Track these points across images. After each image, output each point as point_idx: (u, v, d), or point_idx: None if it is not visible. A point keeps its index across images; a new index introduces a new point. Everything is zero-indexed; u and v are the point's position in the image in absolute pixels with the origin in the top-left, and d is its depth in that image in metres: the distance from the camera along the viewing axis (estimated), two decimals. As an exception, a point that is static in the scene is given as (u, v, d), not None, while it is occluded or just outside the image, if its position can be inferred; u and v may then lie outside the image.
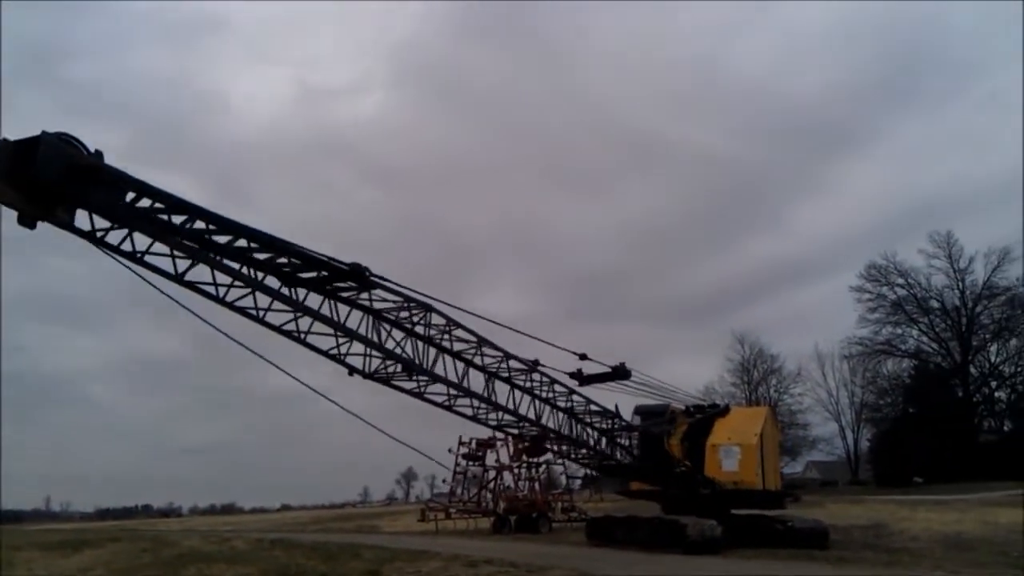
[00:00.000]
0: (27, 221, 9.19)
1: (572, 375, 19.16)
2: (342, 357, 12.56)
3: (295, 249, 11.27)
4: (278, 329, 11.60)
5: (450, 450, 38.20)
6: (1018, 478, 51.67)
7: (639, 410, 26.45)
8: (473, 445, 38.60)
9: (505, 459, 38.68)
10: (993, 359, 71.43)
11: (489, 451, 38.85)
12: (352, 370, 12.84)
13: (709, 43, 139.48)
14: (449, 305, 14.05)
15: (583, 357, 17.95)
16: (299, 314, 11.74)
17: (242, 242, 10.83)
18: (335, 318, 12.22)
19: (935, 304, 71.22)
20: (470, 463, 39.26)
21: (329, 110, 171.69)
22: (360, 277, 11.97)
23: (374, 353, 12.97)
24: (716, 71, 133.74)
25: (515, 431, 19.00)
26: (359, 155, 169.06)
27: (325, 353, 12.27)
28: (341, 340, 12.38)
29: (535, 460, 38.73)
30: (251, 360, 11.06)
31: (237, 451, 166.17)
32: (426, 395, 14.34)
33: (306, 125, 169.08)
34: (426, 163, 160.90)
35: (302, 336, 11.90)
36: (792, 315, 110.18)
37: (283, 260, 11.37)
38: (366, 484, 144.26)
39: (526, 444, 38.18)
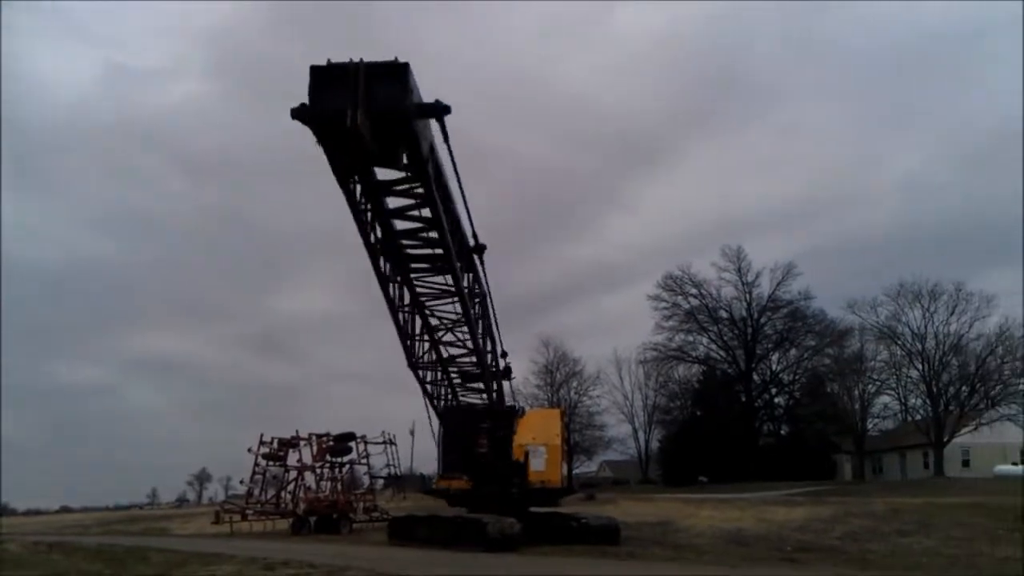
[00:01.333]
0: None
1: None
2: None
3: None
4: None
5: (250, 449, 37.14)
6: (793, 478, 55.90)
7: (446, 409, 26.69)
8: (275, 444, 37.67)
9: (308, 459, 37.98)
10: (774, 367, 76.75)
11: (291, 451, 38.04)
12: None
13: (538, 52, 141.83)
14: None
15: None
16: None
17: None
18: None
19: (724, 314, 75.76)
20: (270, 463, 38.26)
21: (139, 94, 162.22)
22: None
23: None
24: (543, 81, 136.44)
25: None
26: (169, 142, 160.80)
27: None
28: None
29: (339, 460, 38.31)
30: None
31: (9, 449, 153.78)
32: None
33: (114, 108, 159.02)
34: (239, 156, 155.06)
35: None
36: (595, 321, 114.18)
37: None
38: (155, 485, 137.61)
39: (330, 444, 37.84)
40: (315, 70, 9.00)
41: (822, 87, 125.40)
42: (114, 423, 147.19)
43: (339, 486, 38.28)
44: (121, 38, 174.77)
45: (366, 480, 42.50)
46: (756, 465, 64.73)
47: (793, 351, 74.42)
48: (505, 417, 26.80)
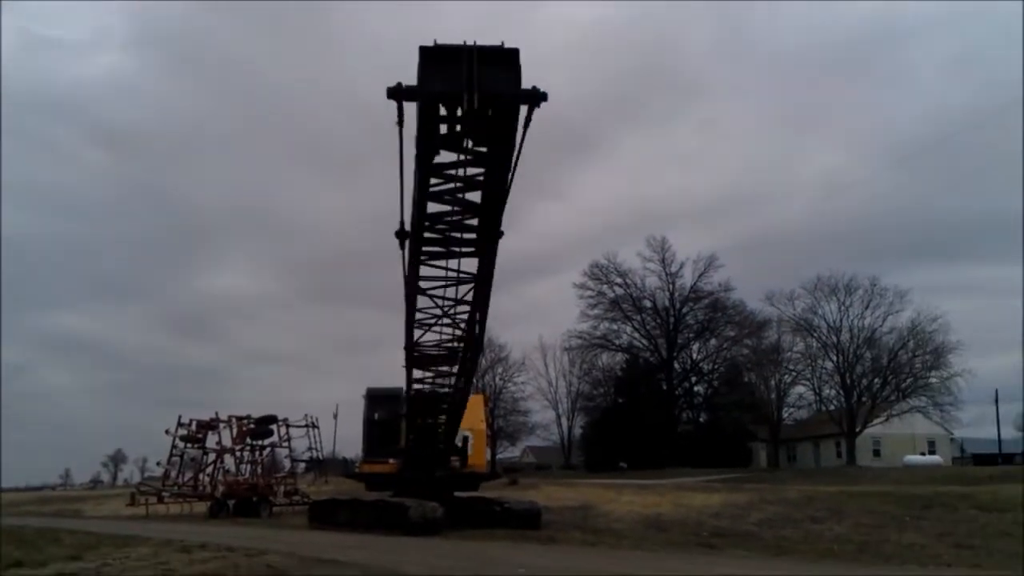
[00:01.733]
0: None
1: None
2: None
3: None
4: None
5: (167, 431, 36.46)
6: (710, 465, 57.05)
7: (371, 393, 26.48)
8: (193, 427, 37.05)
9: (227, 441, 37.42)
10: (695, 356, 78.10)
11: (210, 433, 37.42)
12: None
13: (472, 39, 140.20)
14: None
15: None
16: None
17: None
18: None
19: (648, 304, 76.75)
20: (188, 445, 37.58)
21: (56, 65, 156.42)
22: None
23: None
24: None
25: None
26: (88, 116, 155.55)
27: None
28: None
29: (259, 443, 37.84)
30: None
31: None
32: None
33: (29, 79, 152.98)
34: (161, 130, 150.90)
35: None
36: (521, 308, 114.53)
37: None
38: (68, 466, 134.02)
39: (251, 426, 37.33)
40: (425, 50, 9.23)
41: (746, 85, 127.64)
42: (26, 403, 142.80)
43: (259, 469, 37.83)
44: (38, 8, 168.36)
45: (287, 463, 42.08)
46: (675, 452, 65.92)
47: (713, 341, 75.88)
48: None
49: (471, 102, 9.27)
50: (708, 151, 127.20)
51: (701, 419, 77.77)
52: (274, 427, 37.87)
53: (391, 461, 25.47)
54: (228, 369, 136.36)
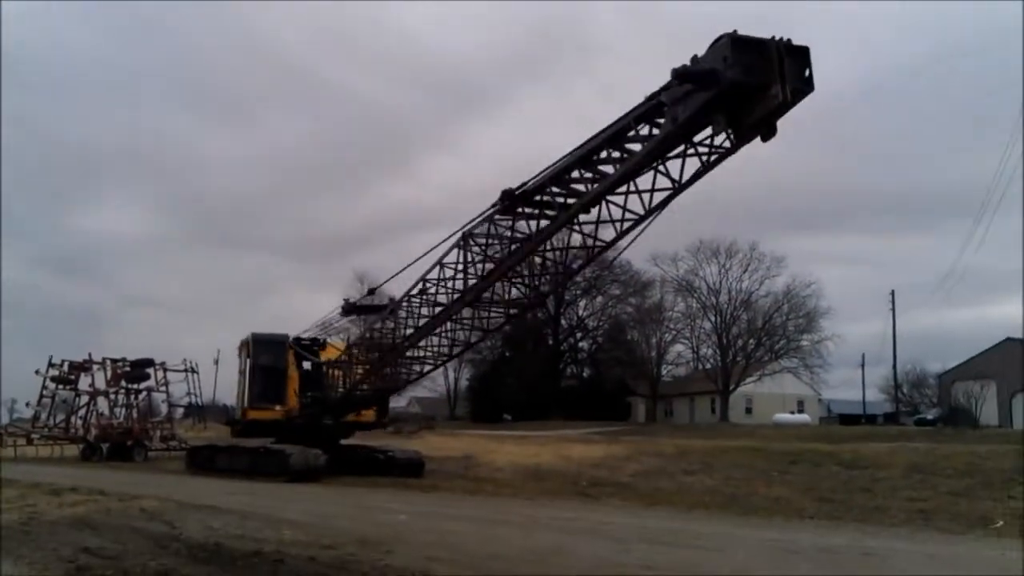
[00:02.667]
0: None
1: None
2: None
3: None
4: None
5: (37, 371, 35.09)
6: (592, 418, 58.37)
7: (257, 339, 25.93)
8: (65, 368, 35.72)
9: (101, 384, 36.19)
10: (581, 313, 79.28)
11: (83, 375, 36.13)
12: None
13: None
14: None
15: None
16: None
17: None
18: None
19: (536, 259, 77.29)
20: (60, 387, 36.26)
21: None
22: None
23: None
24: (379, 16, 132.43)
25: None
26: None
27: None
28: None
29: (135, 386, 36.78)
30: None
31: None
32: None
33: None
34: (41, 64, 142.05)
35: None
36: (411, 258, 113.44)
37: None
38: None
39: (126, 369, 36.19)
40: (735, 40, 9.31)
41: (648, 52, 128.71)
42: None
43: (135, 413, 36.79)
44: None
45: (165, 408, 41.09)
46: (559, 405, 67.16)
47: (599, 299, 77.11)
48: (310, 350, 26.50)
49: (784, 95, 9.58)
50: (606, 113, 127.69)
51: (585, 374, 79.30)
52: (150, 371, 36.82)
53: (278, 408, 25.12)
54: (108, 312, 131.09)
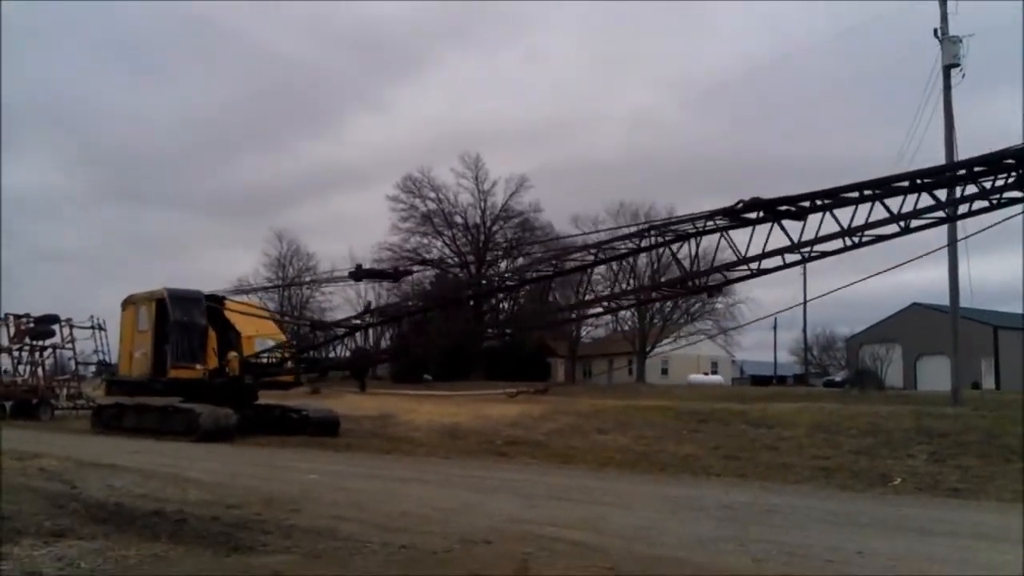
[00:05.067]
0: None
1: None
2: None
3: None
4: None
5: (-66, 328, 33.65)
6: (512, 379, 58.68)
7: (173, 295, 25.07)
8: (-37, 324, 34.36)
9: (4, 341, 34.96)
10: (502, 273, 79.37)
11: (-18, 331, 34.83)
12: None
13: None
14: None
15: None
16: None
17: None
18: None
19: (459, 220, 77.00)
20: (-42, 343, 34.92)
21: None
22: None
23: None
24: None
25: None
26: None
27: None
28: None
29: (39, 343, 35.61)
30: None
31: None
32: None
33: None
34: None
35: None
36: (333, 219, 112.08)
37: None
38: None
39: (30, 326, 34.96)
40: None
41: (569, 21, 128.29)
42: None
43: (40, 371, 35.66)
44: None
45: (72, 365, 39.83)
46: (480, 366, 67.37)
47: (520, 260, 77.26)
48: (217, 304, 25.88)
49: None
50: (529, 80, 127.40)
51: (506, 335, 79.55)
52: (56, 328, 35.64)
53: (198, 367, 24.48)
54: (14, 268, 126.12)
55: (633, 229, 16.73)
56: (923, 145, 29.34)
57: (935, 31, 28.40)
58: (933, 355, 55.10)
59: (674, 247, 16.65)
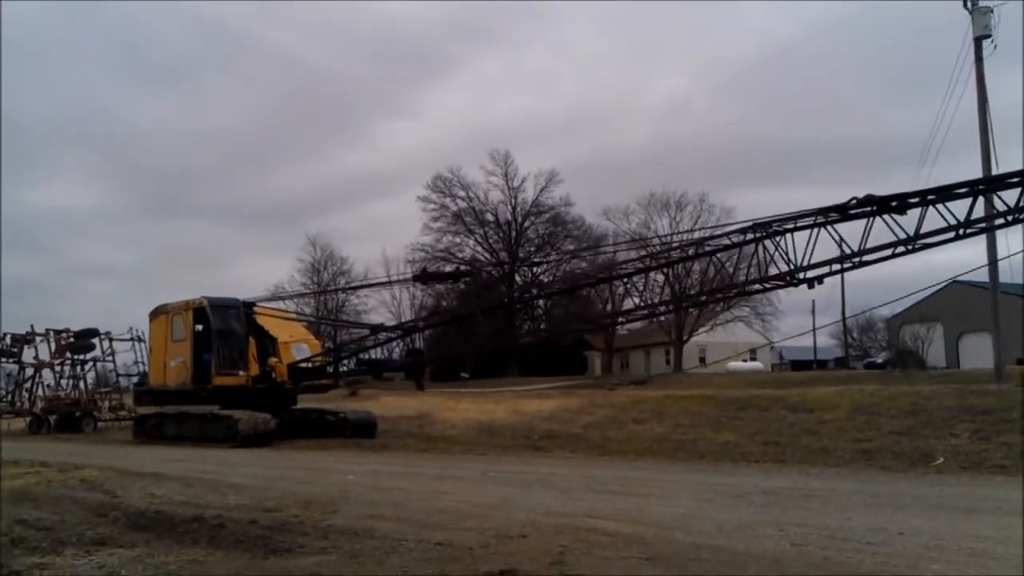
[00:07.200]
0: None
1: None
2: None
3: None
4: None
5: (-21, 346, 34.31)
6: (549, 374, 58.75)
7: (214, 303, 25.17)
8: (8, 340, 34.99)
9: (45, 356, 35.57)
10: (535, 269, 79.37)
11: (27, 347, 35.45)
12: None
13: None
14: None
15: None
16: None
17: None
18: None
19: (490, 217, 77.17)
20: (3, 360, 35.57)
21: None
22: None
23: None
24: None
25: None
26: None
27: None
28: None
29: (80, 357, 36.18)
30: None
31: None
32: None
33: None
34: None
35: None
36: (366, 223, 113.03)
37: None
38: None
39: (70, 340, 35.53)
40: None
41: (596, 13, 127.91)
42: None
43: (82, 384, 36.24)
44: None
45: (113, 377, 40.45)
46: (516, 362, 67.35)
47: (553, 254, 77.18)
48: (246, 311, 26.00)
49: None
50: (558, 73, 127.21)
51: (540, 329, 79.50)
52: (96, 341, 36.20)
53: (241, 373, 24.66)
54: (54, 284, 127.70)
55: (736, 226, 17.33)
56: (955, 119, 28.92)
57: (965, 2, 27.91)
58: (975, 332, 54.15)
59: (774, 242, 16.99)
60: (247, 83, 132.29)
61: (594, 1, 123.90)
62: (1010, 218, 14.77)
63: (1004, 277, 27.87)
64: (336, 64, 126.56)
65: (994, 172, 25.59)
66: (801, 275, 16.84)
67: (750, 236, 17.36)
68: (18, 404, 35.41)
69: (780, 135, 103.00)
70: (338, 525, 8.98)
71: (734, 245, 17.94)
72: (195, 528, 9.00)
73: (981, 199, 14.88)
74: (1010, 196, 14.58)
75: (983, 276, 27.77)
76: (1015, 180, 14.61)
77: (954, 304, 57.52)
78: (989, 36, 27.45)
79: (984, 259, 26.65)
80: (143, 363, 37.59)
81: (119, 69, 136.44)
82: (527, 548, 7.66)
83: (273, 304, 28.87)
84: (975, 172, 25.97)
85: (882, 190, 15.34)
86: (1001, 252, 25.71)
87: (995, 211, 14.85)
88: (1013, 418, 17.50)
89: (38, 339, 35.52)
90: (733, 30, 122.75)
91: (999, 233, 25.52)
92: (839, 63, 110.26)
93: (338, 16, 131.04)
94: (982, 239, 26.03)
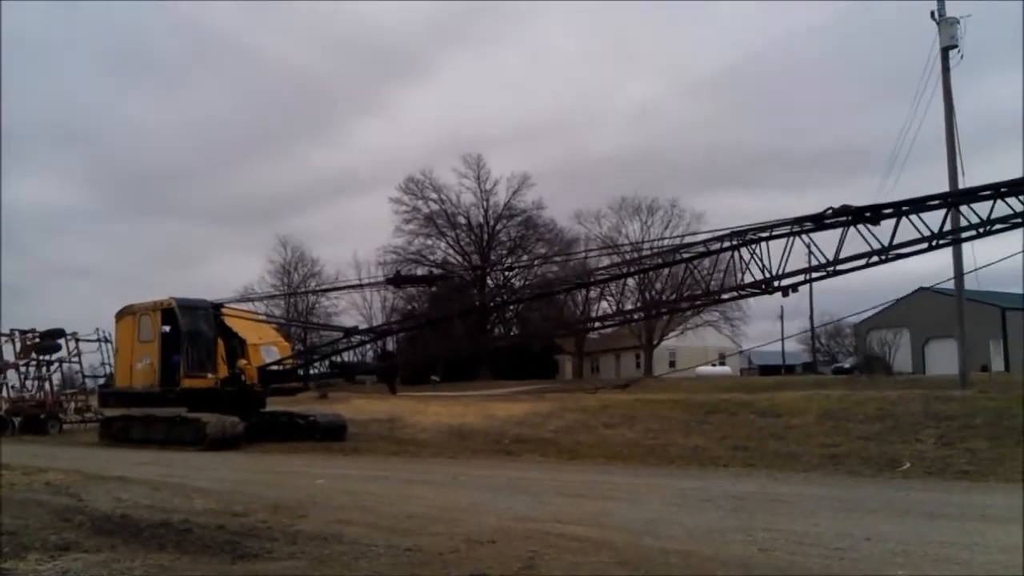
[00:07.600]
0: None
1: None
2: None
3: None
4: None
5: (-59, 347, 33.71)
6: (520, 378, 58.77)
7: (183, 304, 24.85)
8: (-30, 342, 34.42)
9: (10, 356, 34.99)
10: (507, 273, 79.44)
11: (-10, 348, 34.89)
12: None
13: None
14: None
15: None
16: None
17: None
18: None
19: (462, 219, 77.28)
20: (-36, 361, 34.97)
21: None
22: None
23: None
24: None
25: None
26: None
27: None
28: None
29: (46, 358, 35.65)
30: None
31: None
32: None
33: None
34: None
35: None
36: (338, 224, 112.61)
37: None
38: None
39: (36, 341, 34.99)
40: None
41: (570, 16, 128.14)
42: None
43: (47, 385, 35.70)
44: None
45: (79, 379, 39.85)
46: (487, 366, 67.35)
47: (525, 257, 77.32)
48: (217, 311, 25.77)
49: None
50: (530, 77, 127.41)
51: (513, 333, 79.54)
52: (62, 342, 35.68)
53: (209, 376, 24.38)
54: (26, 284, 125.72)
55: (713, 234, 17.59)
56: (923, 127, 29.33)
57: (932, 13, 28.34)
58: (941, 339, 54.87)
59: (750, 249, 17.17)
60: (221, 82, 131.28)
61: (568, 2, 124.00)
62: (981, 230, 15.17)
63: (970, 285, 28.22)
64: (311, 63, 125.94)
65: (960, 180, 26.05)
66: (777, 283, 16.98)
67: (727, 244, 17.36)
68: (-19, 406, 34.77)
69: (750, 140, 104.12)
70: (307, 530, 8.93)
71: (711, 252, 17.90)
72: (162, 533, 8.90)
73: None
74: (982, 208, 14.92)
75: (949, 283, 28.16)
76: (987, 194, 14.98)
77: (920, 311, 58.26)
78: (956, 46, 27.90)
79: (950, 265, 27.07)
80: (110, 364, 37.12)
81: (93, 68, 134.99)
82: (497, 553, 7.66)
83: (243, 306, 28.70)
84: (942, 178, 26.34)
85: (850, 196, 15.85)
86: (967, 260, 26.12)
87: (967, 223, 15.26)
88: (977, 424, 17.77)
89: (3, 339, 34.97)
90: (705, 35, 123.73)
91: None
92: (809, 70, 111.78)
93: (313, 16, 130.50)
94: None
